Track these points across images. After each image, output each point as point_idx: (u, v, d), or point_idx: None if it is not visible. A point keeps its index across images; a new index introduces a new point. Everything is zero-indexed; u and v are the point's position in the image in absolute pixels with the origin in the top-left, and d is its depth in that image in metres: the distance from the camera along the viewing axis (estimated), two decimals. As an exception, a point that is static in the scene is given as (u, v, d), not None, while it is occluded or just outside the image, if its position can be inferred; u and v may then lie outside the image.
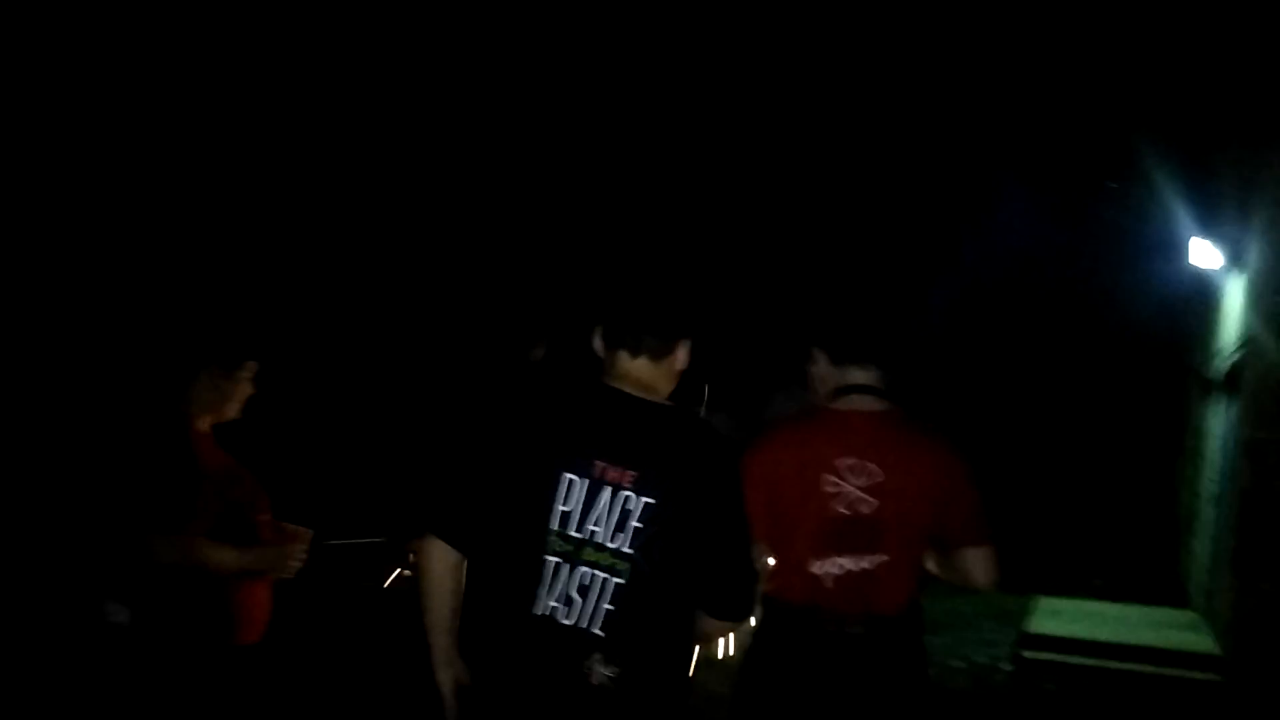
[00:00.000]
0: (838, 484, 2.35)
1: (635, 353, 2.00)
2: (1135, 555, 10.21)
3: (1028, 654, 6.89)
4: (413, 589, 2.00)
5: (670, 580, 1.87)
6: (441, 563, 1.91)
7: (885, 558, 2.35)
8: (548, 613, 1.85)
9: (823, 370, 2.51)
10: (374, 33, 9.26)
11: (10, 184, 7.50)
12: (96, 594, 2.51)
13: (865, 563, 2.34)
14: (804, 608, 2.35)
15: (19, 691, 3.84)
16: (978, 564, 2.38)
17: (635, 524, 1.85)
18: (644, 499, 1.86)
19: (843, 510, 2.34)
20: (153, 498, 2.45)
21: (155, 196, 8.42)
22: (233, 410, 2.73)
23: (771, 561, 2.45)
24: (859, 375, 2.44)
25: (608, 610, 1.84)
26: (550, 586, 1.85)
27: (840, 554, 2.34)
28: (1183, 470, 10.13)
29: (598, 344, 2.04)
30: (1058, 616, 7.63)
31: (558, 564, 1.86)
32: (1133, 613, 8.06)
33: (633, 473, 1.87)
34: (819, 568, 2.35)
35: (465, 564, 1.93)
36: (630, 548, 1.85)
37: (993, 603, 7.14)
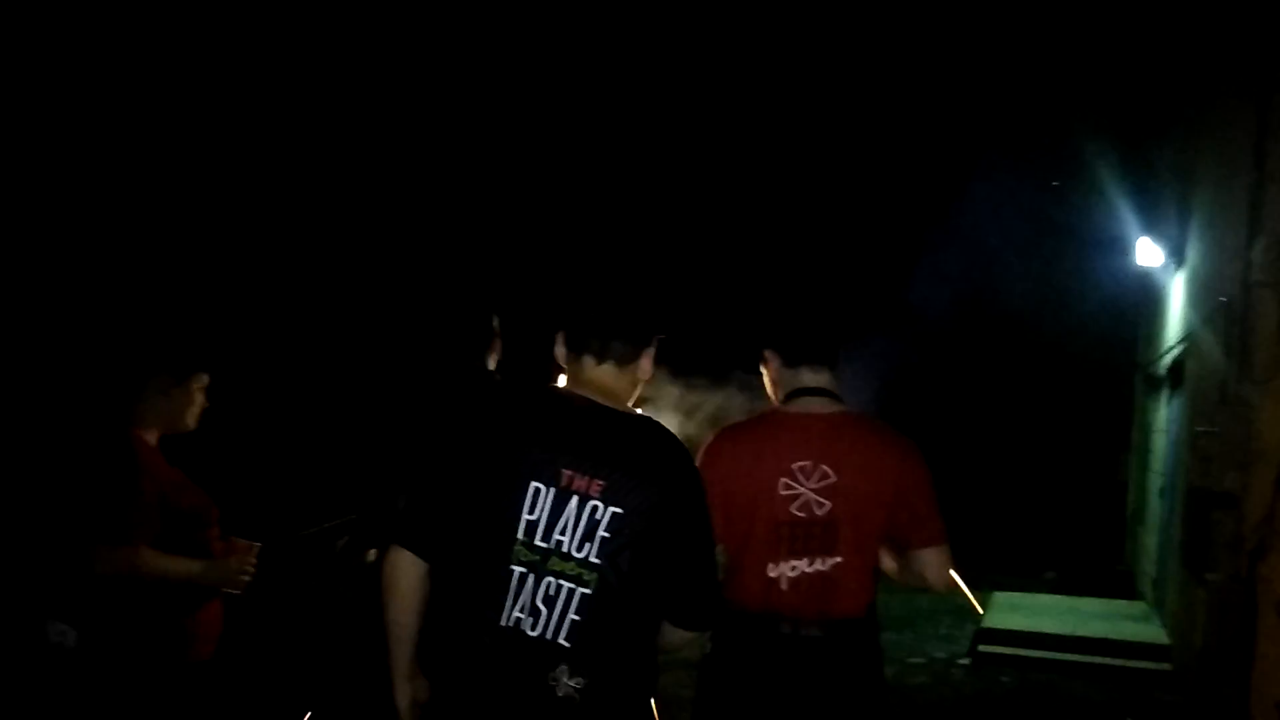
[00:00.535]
0: (792, 486, 2.35)
1: (600, 359, 1.98)
2: (1086, 549, 10.41)
3: (985, 648, 7.00)
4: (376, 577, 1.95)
5: (637, 590, 1.86)
6: (409, 574, 1.88)
7: (840, 559, 2.36)
8: (514, 624, 1.83)
9: (775, 372, 2.52)
10: (341, 47, 9.15)
11: None
12: (39, 614, 2.43)
13: (821, 564, 2.35)
14: (761, 611, 2.35)
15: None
16: (932, 565, 2.40)
17: (603, 534, 1.84)
18: (611, 508, 1.84)
19: (797, 512, 2.35)
20: (94, 508, 2.38)
21: (113, 202, 8.23)
22: (186, 422, 2.67)
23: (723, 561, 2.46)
24: (811, 377, 2.45)
25: (574, 620, 1.82)
26: (516, 597, 1.83)
27: (796, 556, 2.35)
28: (1130, 465, 10.35)
29: (560, 350, 2.02)
30: (1013, 611, 7.76)
31: (523, 574, 1.84)
32: (1085, 605, 8.22)
33: (600, 482, 1.85)
34: (775, 570, 2.35)
35: (429, 575, 1.90)
36: (598, 557, 1.83)
37: (950, 599, 7.23)
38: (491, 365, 2.99)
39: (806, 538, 2.35)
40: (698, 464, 2.46)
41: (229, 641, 2.69)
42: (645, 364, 2.04)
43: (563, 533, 1.84)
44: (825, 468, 2.36)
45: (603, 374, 1.98)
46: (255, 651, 2.86)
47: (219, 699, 2.67)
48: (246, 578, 2.63)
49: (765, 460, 2.37)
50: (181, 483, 2.59)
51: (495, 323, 2.99)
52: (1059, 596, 8.64)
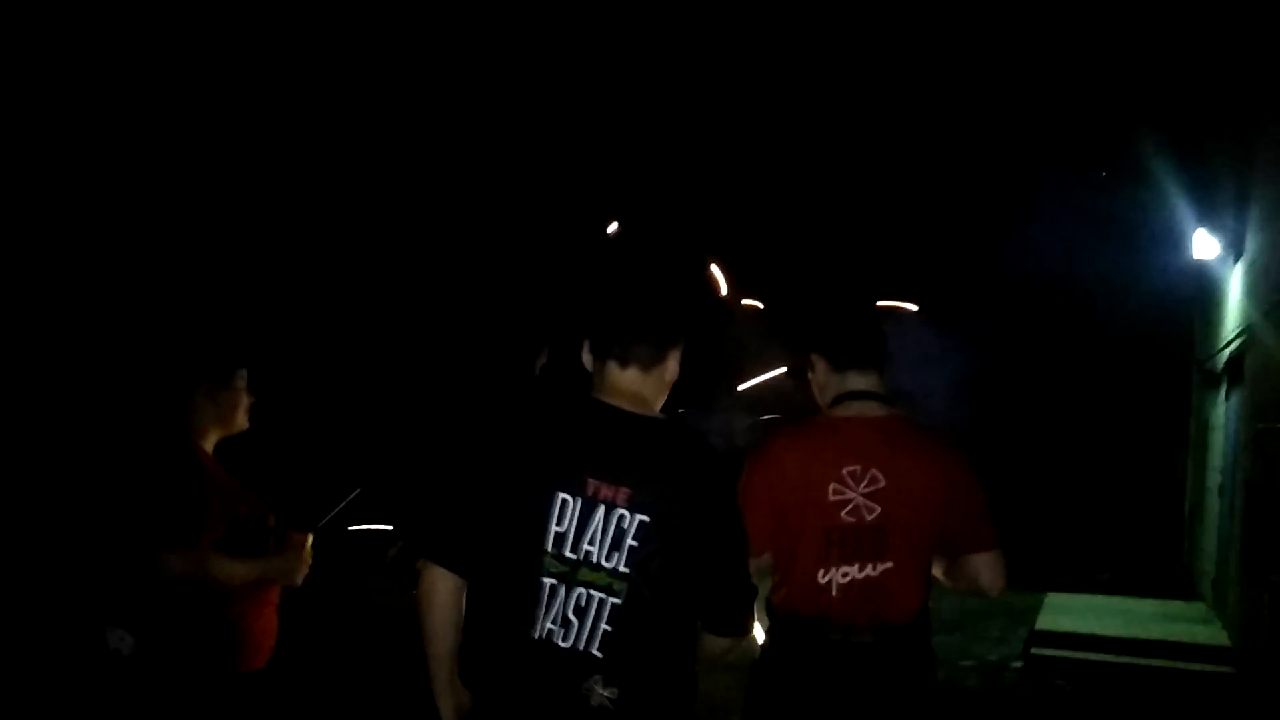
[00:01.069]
0: (842, 491, 2.34)
1: (624, 364, 1.96)
2: (1142, 549, 10.20)
3: (1038, 651, 6.89)
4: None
5: (669, 598, 1.84)
6: (444, 589, 1.89)
7: (892, 565, 2.34)
8: (546, 635, 1.83)
9: (822, 377, 2.50)
10: (367, 41, 9.26)
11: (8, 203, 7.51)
12: (99, 621, 2.49)
13: (872, 570, 2.33)
14: (812, 618, 2.34)
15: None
16: (985, 570, 2.37)
17: (631, 542, 1.83)
18: (639, 516, 1.83)
19: (847, 518, 2.33)
20: (160, 516, 2.44)
21: (149, 214, 8.42)
22: (239, 422, 2.72)
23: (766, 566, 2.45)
24: (859, 381, 2.44)
25: (606, 631, 1.81)
26: (547, 609, 1.83)
27: (846, 562, 2.33)
28: (1187, 462, 10.12)
29: (586, 357, 2.01)
30: (1067, 613, 7.63)
31: (554, 585, 1.83)
32: (1141, 606, 8.06)
33: (626, 490, 1.84)
34: (825, 576, 2.33)
35: (465, 589, 1.91)
36: (626, 566, 1.82)
37: (1002, 601, 7.13)
38: (536, 370, 3.01)
39: (857, 543, 2.33)
40: (746, 469, 2.47)
41: (283, 650, 2.74)
42: (672, 365, 2.01)
43: (591, 543, 1.83)
44: (875, 472, 2.34)
45: (628, 379, 1.96)
46: (309, 660, 2.91)
47: (273, 708, 2.72)
48: (306, 569, 2.67)
49: (814, 465, 2.36)
50: (238, 490, 2.65)
51: (544, 328, 3.01)
52: (1114, 597, 8.48)
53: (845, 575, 2.33)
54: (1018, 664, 6.84)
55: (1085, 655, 6.76)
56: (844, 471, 2.34)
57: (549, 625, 1.83)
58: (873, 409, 2.41)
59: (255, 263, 8.93)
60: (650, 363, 1.97)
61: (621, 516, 1.83)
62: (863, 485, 2.34)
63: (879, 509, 2.33)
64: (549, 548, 1.84)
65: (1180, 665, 6.57)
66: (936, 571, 2.47)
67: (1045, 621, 7.30)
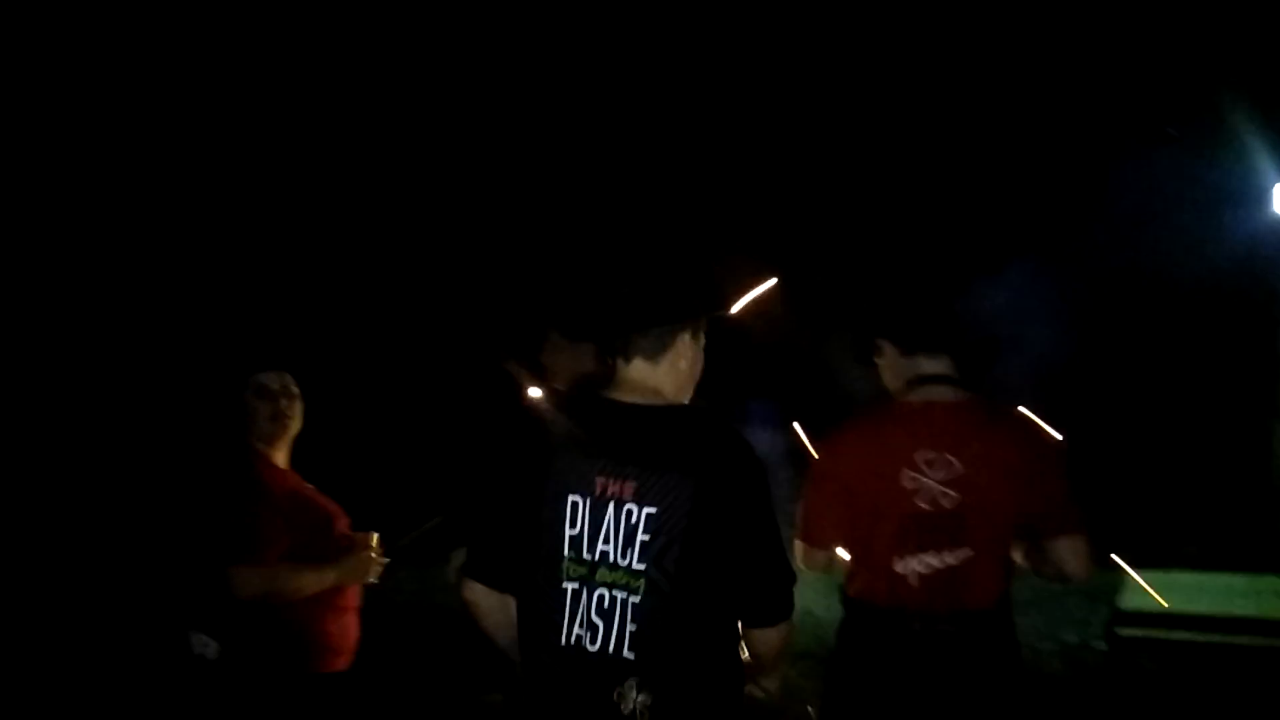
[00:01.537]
0: (917, 479, 2.30)
1: (628, 356, 1.91)
2: (1230, 521, 9.88)
3: (1122, 631, 6.71)
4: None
5: (691, 591, 1.78)
6: (484, 603, 1.91)
7: (971, 552, 2.30)
8: (575, 641, 1.81)
9: (890, 361, 2.46)
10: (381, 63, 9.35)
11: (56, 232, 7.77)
12: (182, 627, 2.57)
13: (950, 559, 2.30)
14: (889, 608, 2.32)
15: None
16: (1070, 555, 2.31)
17: (642, 536, 1.78)
18: (646, 509, 1.78)
19: (924, 506, 2.30)
20: (225, 534, 2.50)
21: (188, 229, 8.65)
22: (294, 426, 2.77)
23: (845, 556, 2.42)
24: (931, 365, 2.39)
25: (633, 631, 1.78)
26: (573, 614, 1.81)
27: (924, 551, 2.30)
28: (1277, 429, 9.79)
29: (598, 357, 2.00)
30: (1151, 590, 7.43)
31: (576, 590, 1.81)
32: (1231, 582, 7.78)
33: (632, 483, 1.79)
34: (902, 566, 2.31)
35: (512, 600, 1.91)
36: (641, 562, 1.78)
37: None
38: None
39: (934, 531, 2.29)
40: (815, 460, 2.44)
41: (366, 652, 2.79)
42: (686, 353, 1.93)
43: (606, 542, 1.81)
44: (950, 458, 2.30)
45: (636, 371, 1.91)
46: (389, 663, 2.96)
47: (356, 709, 2.77)
48: (379, 567, 2.72)
49: (886, 453, 2.33)
50: (309, 496, 2.70)
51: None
52: (1201, 573, 8.23)
53: (923, 564, 2.30)
54: (1100, 645, 6.68)
55: (1172, 635, 6.54)
56: (918, 459, 2.31)
57: (577, 631, 1.81)
58: (946, 393, 2.36)
59: (295, 267, 9.12)
60: (654, 352, 1.90)
61: (630, 511, 1.79)
62: (938, 472, 2.30)
63: (956, 496, 2.29)
64: (567, 552, 1.82)
65: (1274, 643, 6.35)
66: (1017, 557, 2.42)
67: (1128, 601, 7.09)
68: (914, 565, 2.31)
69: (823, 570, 2.50)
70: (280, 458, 2.75)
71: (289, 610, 2.55)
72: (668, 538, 1.77)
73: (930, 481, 2.30)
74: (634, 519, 1.79)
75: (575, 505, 1.82)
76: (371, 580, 2.73)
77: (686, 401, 1.96)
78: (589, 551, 1.81)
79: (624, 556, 1.79)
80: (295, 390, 2.77)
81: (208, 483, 2.59)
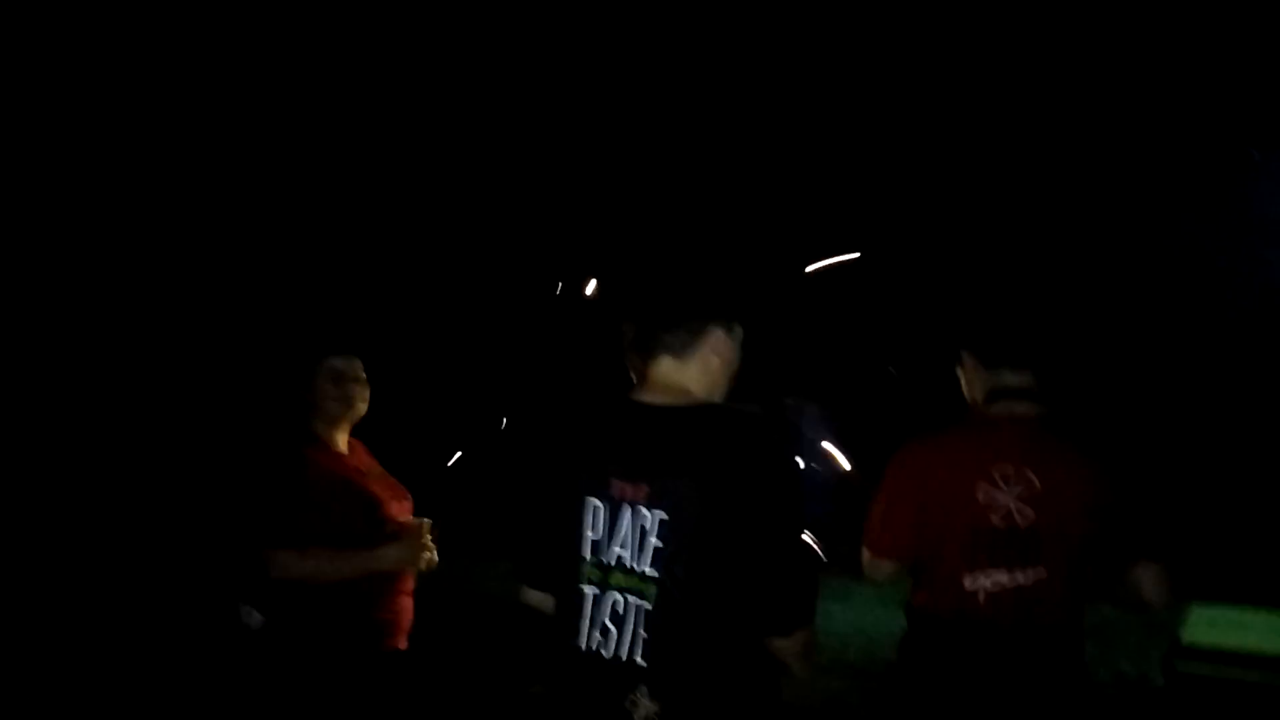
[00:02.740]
0: (992, 493, 2.30)
1: (653, 354, 1.89)
2: (1303, 559, 9.64)
3: (1181, 666, 6.60)
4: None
5: (703, 598, 1.77)
6: (544, 606, 1.95)
7: (1044, 572, 2.29)
8: (592, 646, 1.82)
9: (972, 374, 2.46)
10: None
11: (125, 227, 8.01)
12: (233, 599, 2.68)
13: (1022, 577, 2.29)
14: (957, 624, 2.32)
15: (161, 697, 4.14)
16: (1148, 582, 2.30)
17: (654, 541, 1.77)
18: (658, 513, 1.78)
19: (997, 521, 2.29)
20: (264, 516, 2.61)
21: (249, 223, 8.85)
22: (359, 408, 2.85)
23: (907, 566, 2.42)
24: (1013, 378, 2.38)
25: (645, 638, 1.78)
26: (591, 619, 1.83)
27: (995, 567, 2.29)
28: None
29: (629, 356, 1.95)
30: (1215, 625, 7.28)
31: (595, 594, 1.83)
32: (1302, 623, 7.63)
33: (645, 487, 1.80)
34: (972, 581, 2.30)
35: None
36: (652, 567, 1.79)
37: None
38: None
39: (1007, 548, 2.29)
40: (889, 468, 2.45)
41: (422, 633, 2.87)
42: (713, 347, 1.89)
43: (623, 546, 1.81)
44: (1029, 474, 2.29)
45: (662, 370, 1.88)
46: (441, 648, 3.04)
47: (415, 687, 2.85)
48: (427, 555, 2.76)
49: (962, 465, 2.32)
50: (357, 479, 2.77)
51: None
52: (1268, 611, 8.05)
53: (994, 582, 2.30)
54: (1159, 680, 6.57)
55: (1236, 674, 6.45)
56: (995, 473, 2.30)
57: (595, 635, 1.83)
58: (1027, 408, 2.36)
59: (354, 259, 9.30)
60: (681, 349, 1.87)
61: (642, 515, 1.79)
62: (1015, 488, 2.29)
63: (1032, 513, 2.28)
64: (586, 555, 1.85)
65: (1347, 689, 6.21)
66: (1093, 581, 2.41)
67: (1190, 635, 6.98)
68: (984, 582, 2.30)
69: (886, 581, 2.51)
70: (341, 440, 2.83)
71: (342, 589, 2.63)
72: (678, 543, 1.77)
73: (1006, 497, 2.29)
74: (647, 523, 1.79)
75: (595, 508, 1.84)
76: (418, 568, 2.79)
77: (718, 400, 1.92)
78: (606, 555, 1.83)
79: (637, 561, 1.80)
80: (363, 376, 2.85)
81: (255, 464, 2.69)
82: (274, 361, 2.94)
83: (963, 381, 2.49)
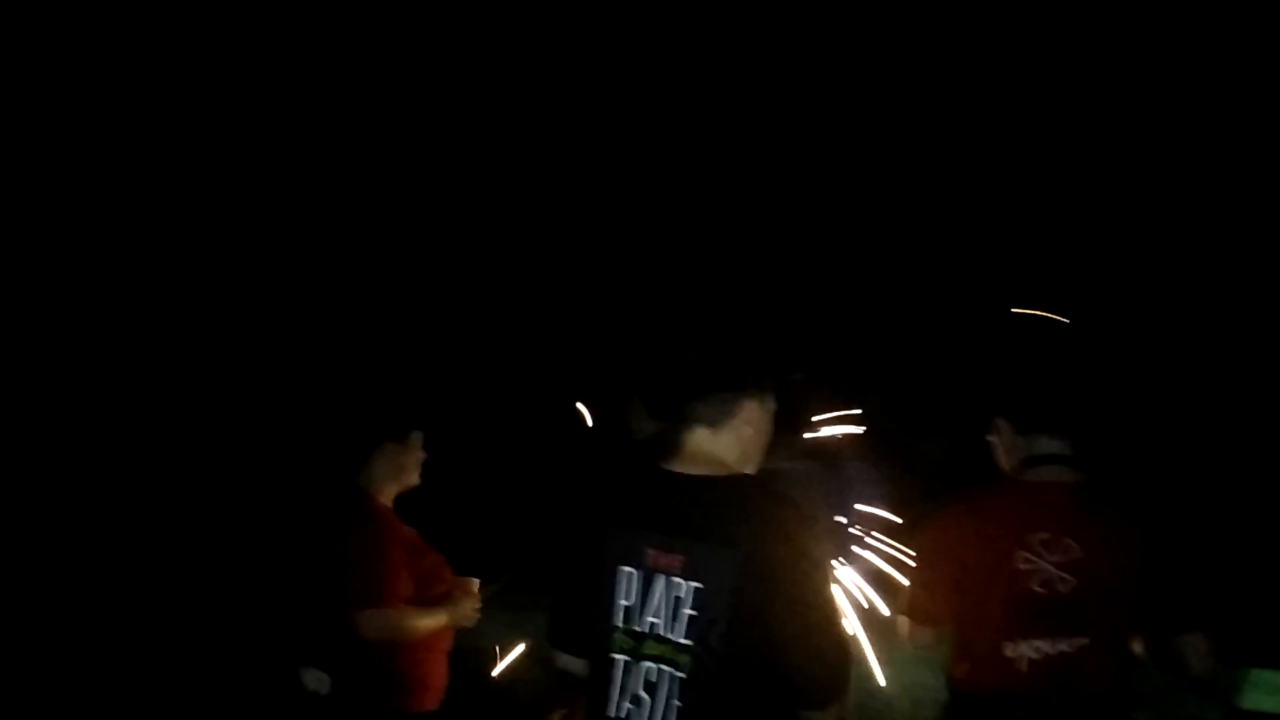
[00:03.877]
0: (1032, 560, 2.33)
1: (686, 425, 1.93)
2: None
3: (1240, 735, 6.43)
4: None
5: (736, 669, 1.80)
6: (578, 670, 2.00)
7: (1086, 640, 2.31)
8: (623, 715, 1.86)
9: (1008, 439, 2.50)
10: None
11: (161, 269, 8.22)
12: (293, 662, 2.76)
13: (1064, 645, 2.31)
14: (998, 695, 2.33)
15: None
16: (1191, 650, 2.32)
17: (689, 611, 1.82)
18: (692, 584, 1.82)
19: (1038, 589, 2.32)
20: (355, 574, 2.69)
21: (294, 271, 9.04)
22: (413, 478, 2.96)
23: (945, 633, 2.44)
24: (1049, 444, 2.42)
25: (679, 708, 1.81)
26: (622, 687, 1.87)
27: (1036, 636, 2.31)
28: None
29: (642, 420, 2.08)
30: (1275, 691, 7.10)
31: (627, 662, 1.87)
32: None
33: (679, 556, 1.83)
34: (1013, 650, 2.33)
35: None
36: (687, 638, 1.81)
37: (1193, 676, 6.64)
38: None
39: (1048, 616, 2.31)
40: (925, 535, 2.50)
41: (453, 693, 2.94)
42: (748, 417, 1.95)
43: (656, 615, 1.85)
44: (1069, 541, 2.32)
45: (696, 440, 1.93)
46: (468, 706, 3.12)
47: None
48: (476, 612, 2.90)
49: (1001, 532, 2.36)
50: (418, 542, 2.88)
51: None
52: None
53: (1036, 650, 2.32)
54: (1217, 749, 6.40)
55: (1298, 742, 6.27)
56: (1033, 539, 2.34)
57: (627, 704, 1.86)
58: (1064, 474, 2.40)
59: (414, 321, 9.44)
60: (716, 420, 1.93)
61: (677, 585, 1.84)
62: (1054, 554, 2.33)
63: (1073, 580, 2.31)
64: (619, 623, 1.89)
65: None
66: (1136, 648, 2.42)
67: (1249, 701, 6.81)
68: (1025, 650, 2.32)
69: (928, 649, 2.54)
70: (389, 504, 2.94)
71: (395, 650, 2.72)
72: (713, 613, 1.80)
73: (1046, 564, 2.32)
74: (681, 593, 1.83)
75: (629, 576, 1.89)
76: (470, 624, 2.90)
77: (750, 470, 1.98)
78: (639, 624, 1.87)
79: (672, 630, 1.84)
80: (423, 449, 2.98)
81: (336, 529, 2.78)
82: (339, 430, 3.05)
83: (996, 448, 2.53)
